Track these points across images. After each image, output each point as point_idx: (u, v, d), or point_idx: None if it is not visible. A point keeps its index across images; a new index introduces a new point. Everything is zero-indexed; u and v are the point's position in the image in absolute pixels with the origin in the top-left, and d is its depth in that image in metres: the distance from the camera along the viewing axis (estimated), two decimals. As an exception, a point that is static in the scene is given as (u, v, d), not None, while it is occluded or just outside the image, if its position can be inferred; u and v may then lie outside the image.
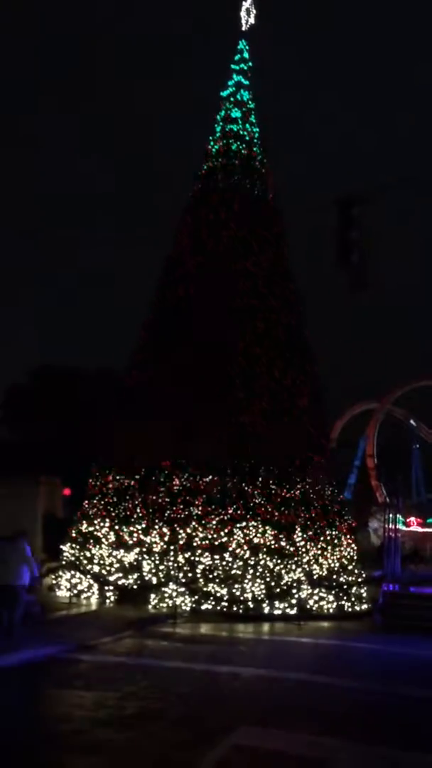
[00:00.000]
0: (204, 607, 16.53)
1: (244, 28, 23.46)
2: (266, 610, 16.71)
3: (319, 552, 18.31)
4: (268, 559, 17.32)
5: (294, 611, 16.76)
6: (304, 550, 17.99)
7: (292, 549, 17.79)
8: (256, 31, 23.31)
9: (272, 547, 17.54)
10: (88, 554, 18.22)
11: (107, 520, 18.40)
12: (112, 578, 17.48)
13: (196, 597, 16.61)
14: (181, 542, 17.32)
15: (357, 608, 18.37)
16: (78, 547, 18.63)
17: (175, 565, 17.07)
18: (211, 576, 16.89)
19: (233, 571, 16.97)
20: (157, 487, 18.11)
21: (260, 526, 17.62)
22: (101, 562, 17.86)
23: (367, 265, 10.52)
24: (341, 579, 18.53)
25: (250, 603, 16.66)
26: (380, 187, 11.27)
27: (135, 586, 17.11)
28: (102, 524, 18.41)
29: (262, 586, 16.91)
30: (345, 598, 18.21)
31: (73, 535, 19.06)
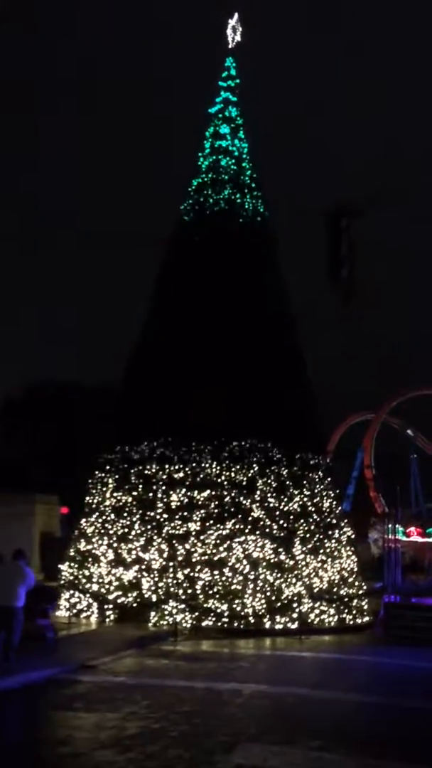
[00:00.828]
0: (204, 623, 16.42)
1: (230, 46, 23.76)
2: (267, 625, 16.61)
3: (319, 565, 18.23)
4: (268, 573, 17.23)
5: (295, 625, 16.66)
6: (303, 563, 17.91)
7: (291, 562, 17.71)
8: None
9: (272, 560, 17.46)
10: (86, 573, 18.10)
11: (105, 537, 18.30)
12: (111, 597, 17.36)
13: (197, 614, 16.50)
14: (180, 558, 17.23)
15: (358, 621, 18.27)
16: (76, 566, 18.51)
17: (175, 581, 16.97)
18: (210, 592, 16.79)
19: (233, 587, 16.88)
20: (154, 503, 18.05)
21: (259, 539, 17.55)
22: (100, 580, 17.74)
23: (356, 279, 10.59)
24: (342, 592, 18.44)
25: (250, 618, 16.55)
26: (369, 198, 11.36)
27: (135, 604, 16.99)
28: (100, 542, 18.31)
29: (263, 601, 16.82)
30: (346, 611, 18.11)
31: (72, 554, 18.94)
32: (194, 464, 18.22)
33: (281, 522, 18.02)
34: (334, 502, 20.20)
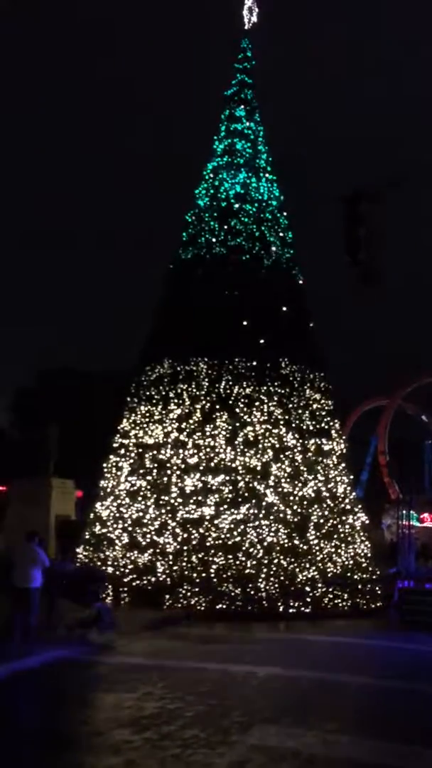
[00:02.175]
0: (218, 607, 16.54)
1: (246, 27, 23.46)
2: (281, 609, 16.69)
3: (333, 550, 18.27)
4: (281, 557, 17.31)
5: (308, 610, 16.74)
6: (317, 548, 17.96)
7: (305, 547, 17.77)
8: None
9: (285, 545, 17.53)
10: (101, 556, 18.28)
11: (120, 522, 18.45)
12: (126, 580, 17.53)
13: (210, 597, 16.62)
14: (194, 543, 17.34)
15: (372, 606, 18.32)
16: (92, 549, 18.70)
17: (189, 565, 17.10)
18: (224, 576, 16.90)
19: (247, 571, 16.97)
20: (169, 488, 18.16)
21: (273, 524, 17.61)
22: (115, 563, 17.92)
23: (376, 262, 10.50)
24: (355, 576, 18.48)
25: (264, 602, 16.65)
26: (387, 183, 11.24)
27: (149, 588, 17.15)
28: (115, 526, 18.47)
29: (276, 585, 16.90)
30: (359, 595, 18.16)
31: (87, 537, 19.13)
32: (208, 449, 18.28)
33: (295, 507, 18.07)
34: (348, 488, 20.20)
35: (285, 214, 21.97)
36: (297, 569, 17.36)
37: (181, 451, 18.48)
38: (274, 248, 20.93)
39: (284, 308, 20.28)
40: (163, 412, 19.22)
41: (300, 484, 18.44)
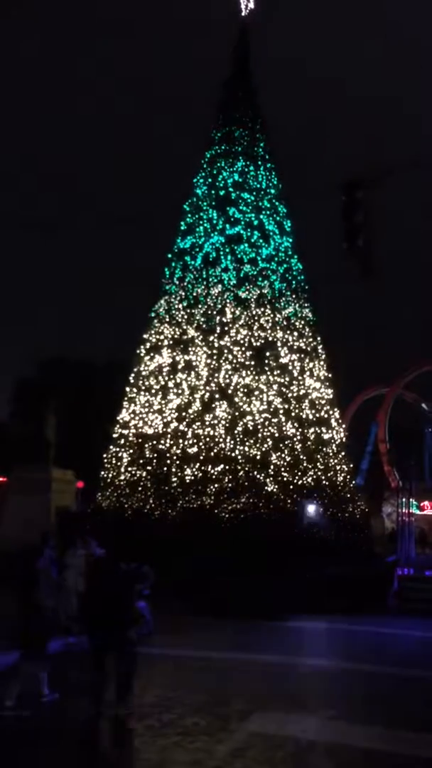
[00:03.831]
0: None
1: (243, 14, 23.25)
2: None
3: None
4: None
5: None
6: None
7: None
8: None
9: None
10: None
11: (121, 512, 18.47)
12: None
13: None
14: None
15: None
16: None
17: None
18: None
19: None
20: (169, 478, 18.17)
21: (273, 514, 17.62)
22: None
23: (373, 251, 10.41)
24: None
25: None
26: (386, 169, 11.14)
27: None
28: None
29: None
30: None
31: (88, 528, 19.15)
32: (207, 439, 18.28)
33: (295, 496, 18.08)
34: (348, 477, 20.23)
35: (284, 202, 21.88)
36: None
37: (180, 441, 18.48)
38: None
39: (283, 295, 20.24)
40: (163, 402, 19.21)
41: (299, 473, 18.44)
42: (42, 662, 8.13)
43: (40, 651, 8.13)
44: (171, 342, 19.83)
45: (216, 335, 19.16)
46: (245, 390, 18.67)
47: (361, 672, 10.17)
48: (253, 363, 18.98)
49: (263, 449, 18.26)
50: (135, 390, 20.16)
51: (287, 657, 10.90)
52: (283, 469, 18.26)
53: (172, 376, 19.35)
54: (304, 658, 10.83)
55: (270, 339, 19.44)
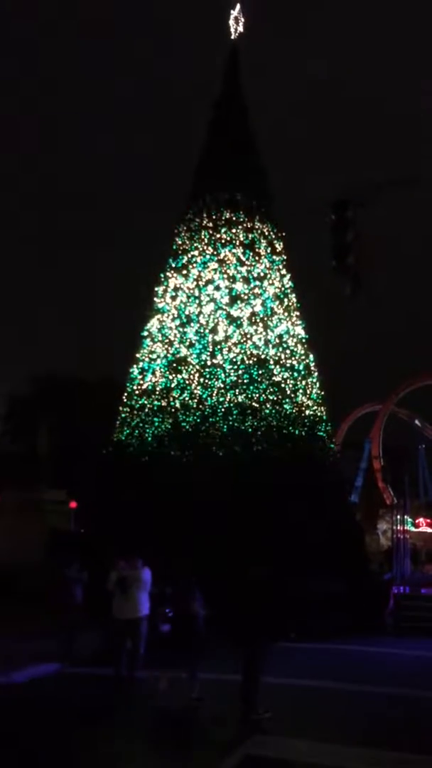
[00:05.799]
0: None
1: (233, 37, 23.61)
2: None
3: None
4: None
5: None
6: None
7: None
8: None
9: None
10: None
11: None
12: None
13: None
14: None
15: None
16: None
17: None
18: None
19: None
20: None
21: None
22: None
23: (362, 270, 10.42)
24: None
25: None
26: (376, 186, 11.18)
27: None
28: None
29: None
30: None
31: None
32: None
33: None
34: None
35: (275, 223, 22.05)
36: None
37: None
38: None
39: (278, 313, 20.33)
40: (158, 419, 19.11)
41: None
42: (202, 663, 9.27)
43: (201, 653, 9.28)
44: (164, 360, 19.82)
45: (209, 354, 19.16)
46: (238, 409, 18.61)
47: (354, 692, 10.04)
48: (246, 381, 18.95)
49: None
50: (127, 410, 20.08)
51: (278, 678, 10.70)
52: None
53: (165, 395, 19.29)
54: (294, 679, 10.67)
55: (263, 357, 19.44)
